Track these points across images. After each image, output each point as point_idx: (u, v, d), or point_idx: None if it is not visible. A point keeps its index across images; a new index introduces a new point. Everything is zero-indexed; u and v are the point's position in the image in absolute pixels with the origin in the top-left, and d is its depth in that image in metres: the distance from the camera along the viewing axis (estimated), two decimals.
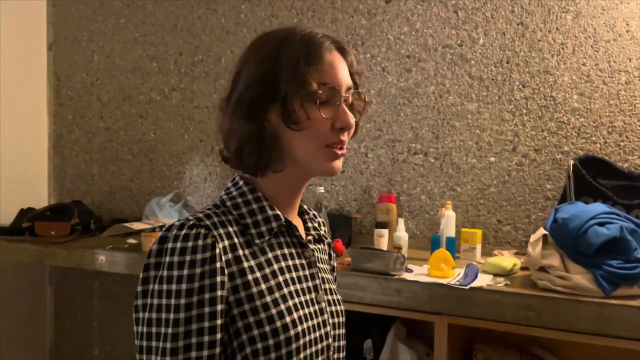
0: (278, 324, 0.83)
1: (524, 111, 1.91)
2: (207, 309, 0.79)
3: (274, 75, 0.85)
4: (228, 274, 0.82)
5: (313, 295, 0.91)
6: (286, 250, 0.90)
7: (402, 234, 1.80)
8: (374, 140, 2.13)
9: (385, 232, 1.83)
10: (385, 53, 2.11)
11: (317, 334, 0.89)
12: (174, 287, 0.79)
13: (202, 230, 0.81)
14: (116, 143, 2.65)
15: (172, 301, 0.78)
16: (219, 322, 0.80)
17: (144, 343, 0.79)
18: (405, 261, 1.61)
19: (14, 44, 2.60)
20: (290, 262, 0.90)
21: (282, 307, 0.84)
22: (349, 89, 0.89)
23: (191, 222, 0.82)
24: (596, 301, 1.33)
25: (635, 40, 1.78)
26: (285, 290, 0.86)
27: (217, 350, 0.80)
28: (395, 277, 1.55)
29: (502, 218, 1.94)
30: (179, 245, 0.80)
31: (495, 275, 1.57)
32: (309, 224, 0.99)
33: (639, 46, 1.77)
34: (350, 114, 0.87)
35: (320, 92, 0.84)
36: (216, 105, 2.55)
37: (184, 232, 0.81)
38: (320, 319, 0.90)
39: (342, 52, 0.90)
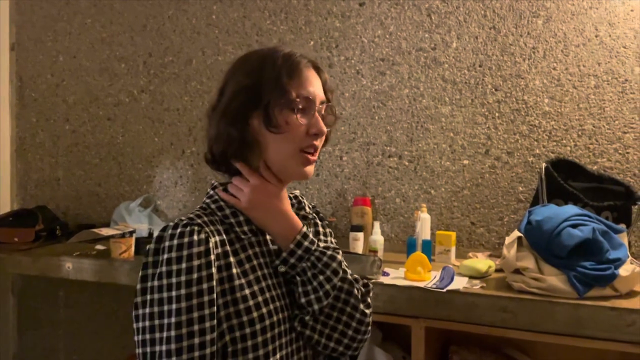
0: (257, 326, 0.93)
1: (497, 114, 1.93)
2: (206, 298, 0.87)
3: (258, 86, 0.96)
4: (217, 266, 0.91)
5: (279, 303, 0.98)
6: (255, 262, 0.98)
7: (377, 237, 1.79)
8: (348, 143, 2.12)
9: (360, 235, 1.82)
10: (359, 56, 2.11)
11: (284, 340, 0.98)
12: (173, 280, 0.86)
13: (196, 227, 0.90)
14: (83, 146, 2.58)
15: (173, 293, 0.86)
16: (215, 309, 0.88)
17: (147, 336, 0.86)
18: (381, 265, 1.60)
19: None
20: (259, 273, 0.97)
21: (255, 312, 0.94)
22: (322, 102, 1.01)
23: (185, 222, 0.91)
24: (570, 302, 1.34)
25: (604, 45, 1.81)
26: (260, 298, 0.95)
27: (215, 334, 0.88)
28: (372, 280, 1.54)
29: (476, 220, 1.95)
30: (175, 242, 0.89)
31: (471, 277, 1.57)
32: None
33: (607, 51, 1.81)
34: (322, 122, 0.99)
35: (298, 100, 0.96)
36: (187, 107, 2.51)
37: (179, 230, 0.90)
38: (286, 326, 0.99)
39: (318, 70, 1.03)
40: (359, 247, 1.81)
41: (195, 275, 0.87)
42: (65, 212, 2.58)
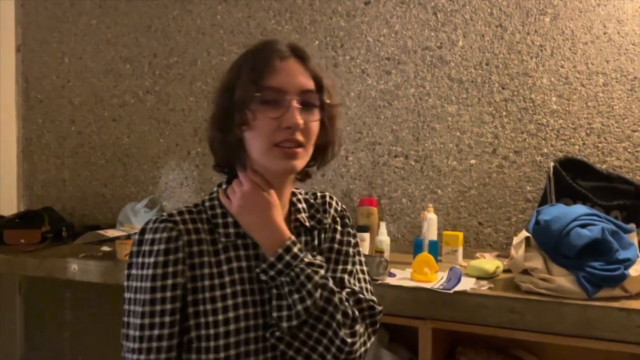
0: (220, 329, 0.92)
1: (504, 113, 1.91)
2: (168, 294, 0.90)
3: (234, 85, 0.95)
4: (189, 265, 0.93)
5: (252, 309, 0.95)
6: (235, 265, 0.96)
7: (384, 237, 1.78)
8: (354, 143, 2.11)
9: (366, 236, 1.81)
10: (364, 55, 2.10)
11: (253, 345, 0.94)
12: (144, 272, 0.92)
13: (170, 225, 0.93)
14: (88, 147, 2.58)
15: (142, 284, 0.91)
16: (178, 304, 0.91)
17: (125, 319, 0.94)
18: (388, 265, 1.58)
19: None
20: (236, 276, 0.96)
21: (221, 315, 0.92)
22: (305, 91, 0.95)
23: (163, 217, 0.95)
24: (579, 303, 1.32)
25: (613, 43, 1.79)
26: (230, 302, 0.93)
27: (177, 329, 0.91)
28: (378, 281, 1.52)
29: (483, 220, 1.94)
30: (151, 236, 0.93)
31: (478, 278, 1.56)
32: (298, 215, 1.04)
33: (616, 48, 1.79)
34: (297, 114, 0.92)
35: (263, 93, 0.93)
36: (192, 108, 2.50)
37: (156, 225, 0.94)
38: (258, 334, 0.94)
39: (301, 58, 0.98)
40: (365, 247, 1.80)
41: (160, 271, 0.90)
42: (71, 213, 2.58)
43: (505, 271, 1.61)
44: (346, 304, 0.95)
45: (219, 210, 0.98)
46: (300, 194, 1.09)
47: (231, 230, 0.97)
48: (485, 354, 1.71)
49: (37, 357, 2.58)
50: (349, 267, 1.03)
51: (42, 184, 2.67)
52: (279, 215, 0.98)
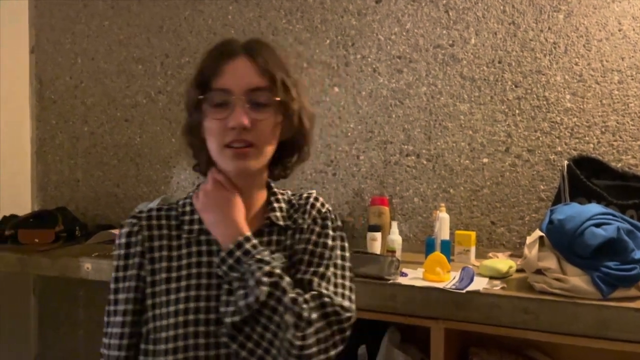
0: (167, 321, 0.95)
1: (517, 111, 1.89)
2: (127, 284, 0.98)
3: (193, 89, 0.99)
4: (149, 258, 0.98)
5: (204, 304, 0.96)
6: (194, 260, 0.99)
7: (395, 237, 1.77)
8: (365, 142, 2.10)
9: (378, 235, 1.80)
10: (376, 54, 2.09)
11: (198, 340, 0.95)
12: (113, 263, 1.01)
13: (134, 221, 1.01)
14: (101, 148, 2.60)
15: (112, 274, 1.00)
16: (132, 295, 0.98)
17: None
18: (399, 265, 1.57)
19: None
20: (193, 270, 0.98)
21: (172, 307, 0.96)
22: (253, 90, 0.95)
23: (133, 214, 1.02)
24: (594, 303, 1.31)
25: (628, 39, 1.77)
26: (183, 294, 0.96)
27: (130, 318, 0.97)
28: (390, 281, 1.52)
29: (496, 220, 1.92)
30: (120, 232, 1.02)
31: (491, 278, 1.54)
32: (272, 214, 1.03)
33: (631, 45, 1.76)
34: (242, 114, 0.93)
35: (207, 95, 0.95)
36: None
37: (125, 222, 1.02)
38: (209, 328, 0.95)
39: (252, 55, 0.96)
40: (376, 247, 1.79)
41: (122, 262, 0.99)
42: (84, 213, 2.60)
43: (518, 271, 1.59)
44: (303, 305, 0.90)
45: (188, 208, 1.02)
46: (284, 194, 1.08)
47: (196, 226, 1.00)
48: (498, 354, 1.70)
49: (51, 355, 2.60)
50: (321, 269, 0.98)
51: (56, 184, 2.70)
52: (239, 212, 0.98)
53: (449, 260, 1.60)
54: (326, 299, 0.93)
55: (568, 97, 1.84)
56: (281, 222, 1.03)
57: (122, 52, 2.54)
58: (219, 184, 1.00)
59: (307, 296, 0.92)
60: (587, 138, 1.81)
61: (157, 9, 2.46)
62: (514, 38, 1.90)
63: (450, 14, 1.98)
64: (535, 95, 1.87)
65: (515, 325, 1.37)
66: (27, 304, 2.63)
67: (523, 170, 1.89)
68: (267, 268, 0.91)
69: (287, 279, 0.92)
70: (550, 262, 1.40)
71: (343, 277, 1.00)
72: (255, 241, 0.95)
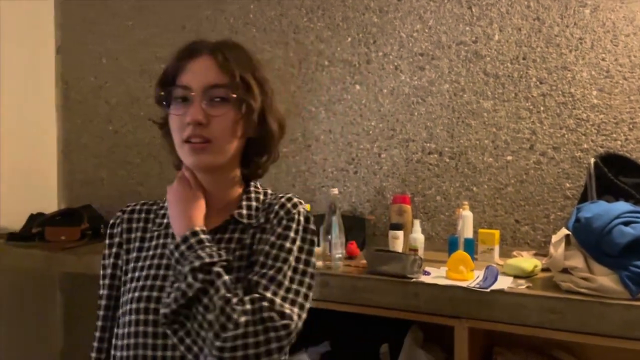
0: (126, 307, 1.00)
1: (542, 108, 1.87)
2: (107, 271, 1.08)
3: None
4: (125, 249, 1.06)
5: (156, 293, 0.98)
6: (159, 251, 1.04)
7: (418, 235, 1.76)
8: (387, 140, 2.09)
9: (400, 233, 1.79)
10: (397, 51, 2.07)
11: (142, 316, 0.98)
12: None
13: (118, 214, 1.10)
14: (124, 146, 2.63)
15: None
16: (107, 281, 1.07)
17: None
18: (422, 263, 1.56)
19: (22, 48, 2.59)
20: (155, 261, 1.03)
21: (130, 294, 1.01)
22: (211, 87, 0.97)
23: (121, 209, 1.10)
24: (622, 303, 1.28)
25: None
26: (141, 283, 1.00)
27: (105, 302, 1.07)
28: (413, 279, 1.51)
29: (520, 218, 1.89)
30: None
31: (515, 277, 1.52)
32: (236, 211, 1.03)
33: None
34: (198, 109, 0.95)
35: (165, 92, 1.00)
36: None
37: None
38: (157, 317, 0.97)
39: (214, 54, 0.99)
40: (398, 245, 1.78)
41: (106, 251, 1.08)
42: (109, 211, 2.63)
43: (543, 270, 1.57)
44: (235, 307, 0.87)
45: (166, 204, 1.06)
46: (259, 192, 1.07)
47: (165, 220, 1.06)
48: (523, 354, 1.68)
49: (77, 351, 2.64)
50: (271, 272, 0.93)
51: (81, 182, 2.74)
52: (195, 208, 1.00)
53: (473, 259, 1.59)
54: (265, 304, 0.89)
55: (595, 93, 1.80)
56: (244, 220, 1.02)
57: (144, 52, 2.56)
58: (183, 180, 1.04)
59: (246, 298, 0.89)
60: (614, 135, 1.78)
61: (179, 8, 2.48)
62: (539, 34, 1.87)
63: (474, 10, 1.96)
64: (560, 92, 1.84)
65: (541, 325, 1.35)
66: (53, 299, 2.67)
67: (548, 167, 1.86)
68: (197, 264, 0.90)
69: (226, 277, 0.90)
70: (577, 261, 1.38)
71: (300, 282, 0.96)
72: (203, 237, 0.95)
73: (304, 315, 0.94)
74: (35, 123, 2.67)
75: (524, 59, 1.89)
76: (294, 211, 1.01)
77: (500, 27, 1.92)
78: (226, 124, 0.97)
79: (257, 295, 0.90)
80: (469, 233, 1.77)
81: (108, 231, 1.09)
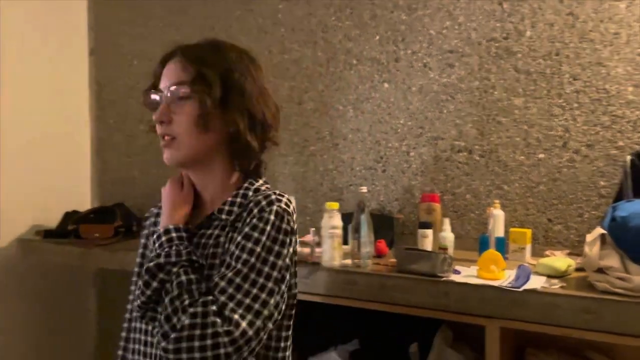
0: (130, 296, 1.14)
1: (575, 105, 1.83)
2: (136, 269, 1.16)
3: None
4: (143, 245, 1.17)
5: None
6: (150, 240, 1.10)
7: (448, 234, 1.74)
8: (415, 139, 2.08)
9: (429, 232, 1.78)
10: (426, 49, 2.06)
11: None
12: None
13: (147, 215, 1.21)
14: (156, 146, 2.65)
15: None
16: (135, 278, 1.15)
17: None
18: (452, 262, 1.55)
19: (57, 50, 2.65)
20: (147, 252, 1.13)
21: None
22: (177, 84, 1.02)
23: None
24: None
25: None
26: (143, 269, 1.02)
27: (132, 296, 1.13)
28: (443, 278, 1.50)
29: (553, 217, 1.86)
30: None
31: (549, 276, 1.50)
32: (217, 207, 1.04)
33: None
34: (163, 109, 1.02)
35: (145, 97, 1.08)
36: None
37: None
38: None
39: (183, 55, 1.05)
40: (428, 244, 1.77)
41: (142, 240, 1.18)
42: (141, 209, 2.68)
43: (577, 270, 1.54)
44: (186, 309, 0.88)
45: None
46: (249, 189, 1.05)
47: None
48: (556, 355, 1.65)
49: (111, 346, 2.69)
50: (229, 274, 0.91)
51: (114, 181, 2.80)
52: (177, 207, 1.05)
53: (504, 258, 1.57)
54: (213, 308, 0.87)
55: (630, 89, 1.76)
56: (223, 217, 1.02)
57: None
58: (174, 181, 1.11)
59: (200, 300, 0.89)
60: None
61: (209, 9, 2.51)
62: (572, 29, 1.83)
63: (504, 6, 1.93)
64: (594, 88, 1.80)
65: (575, 326, 1.32)
66: (87, 295, 2.74)
67: (582, 165, 1.82)
68: (154, 262, 0.96)
69: (183, 278, 0.92)
70: (613, 260, 1.35)
71: (261, 287, 0.91)
72: (174, 235, 1.00)
73: (260, 323, 0.89)
74: (70, 123, 2.74)
75: (556, 55, 1.85)
76: (267, 209, 0.97)
77: (532, 22, 1.89)
78: (189, 120, 1.01)
79: (210, 298, 0.89)
80: (500, 232, 1.75)
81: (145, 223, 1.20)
